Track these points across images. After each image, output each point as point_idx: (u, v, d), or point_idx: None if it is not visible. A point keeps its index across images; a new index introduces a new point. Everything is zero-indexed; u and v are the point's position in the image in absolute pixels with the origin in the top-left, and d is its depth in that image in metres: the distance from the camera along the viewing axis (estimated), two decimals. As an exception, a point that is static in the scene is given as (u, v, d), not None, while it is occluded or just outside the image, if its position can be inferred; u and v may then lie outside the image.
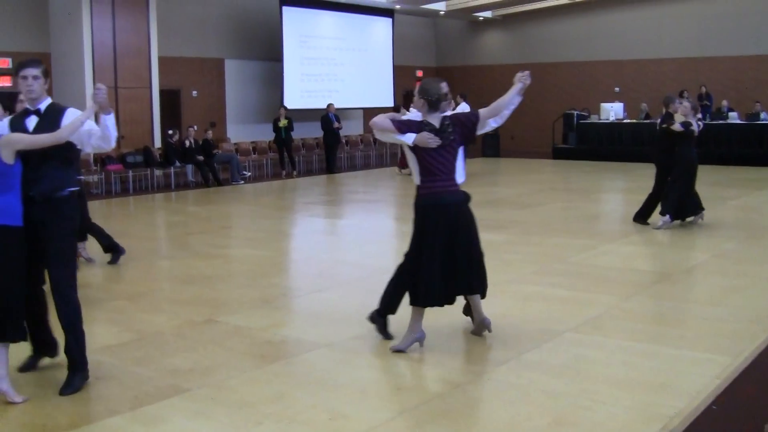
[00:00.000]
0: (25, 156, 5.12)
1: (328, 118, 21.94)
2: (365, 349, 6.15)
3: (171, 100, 21.47)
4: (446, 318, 6.80)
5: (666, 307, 7.47)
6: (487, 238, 11.03)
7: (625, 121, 24.54)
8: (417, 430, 4.58)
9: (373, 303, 6.45)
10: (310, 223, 14.03)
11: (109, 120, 5.34)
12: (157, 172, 18.88)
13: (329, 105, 22.31)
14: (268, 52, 23.67)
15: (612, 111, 24.61)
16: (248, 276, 9.01)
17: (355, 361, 5.91)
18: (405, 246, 6.15)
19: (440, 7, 27.46)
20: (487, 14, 29.41)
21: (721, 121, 22.81)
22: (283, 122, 21.00)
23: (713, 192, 16.35)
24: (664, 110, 11.83)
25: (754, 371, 5.62)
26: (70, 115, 5.27)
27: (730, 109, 23.31)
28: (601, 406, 4.89)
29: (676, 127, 11.25)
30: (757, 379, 5.48)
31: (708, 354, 5.90)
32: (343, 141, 23.64)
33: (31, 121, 5.26)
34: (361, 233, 12.44)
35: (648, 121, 23.17)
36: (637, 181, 17.26)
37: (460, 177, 6.12)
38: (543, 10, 28.54)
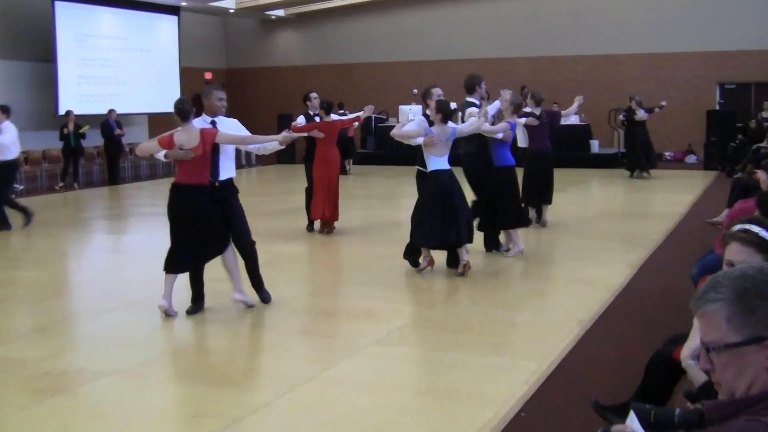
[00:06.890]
0: None
1: (108, 124, 21.23)
2: (157, 375, 5.99)
3: (-72, 105, 20.19)
4: (245, 337, 6.75)
5: (470, 313, 7.69)
6: (283, 250, 11.09)
7: (424, 123, 25.11)
8: (216, 459, 4.50)
9: (166, 324, 6.25)
10: (93, 240, 13.55)
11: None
12: None
13: (110, 111, 21.62)
14: (40, 52, 22.66)
15: (411, 113, 25.13)
16: (23, 301, 8.58)
17: (146, 388, 5.75)
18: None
19: (229, 4, 27.32)
20: (280, 13, 29.47)
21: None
22: (85, 127, 20.09)
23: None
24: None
25: (561, 375, 5.88)
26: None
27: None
28: (408, 419, 4.98)
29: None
30: (564, 384, 5.74)
31: (514, 360, 6.14)
32: (127, 149, 22.85)
33: None
34: (149, 249, 12.04)
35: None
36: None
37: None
38: (339, 9, 28.92)
